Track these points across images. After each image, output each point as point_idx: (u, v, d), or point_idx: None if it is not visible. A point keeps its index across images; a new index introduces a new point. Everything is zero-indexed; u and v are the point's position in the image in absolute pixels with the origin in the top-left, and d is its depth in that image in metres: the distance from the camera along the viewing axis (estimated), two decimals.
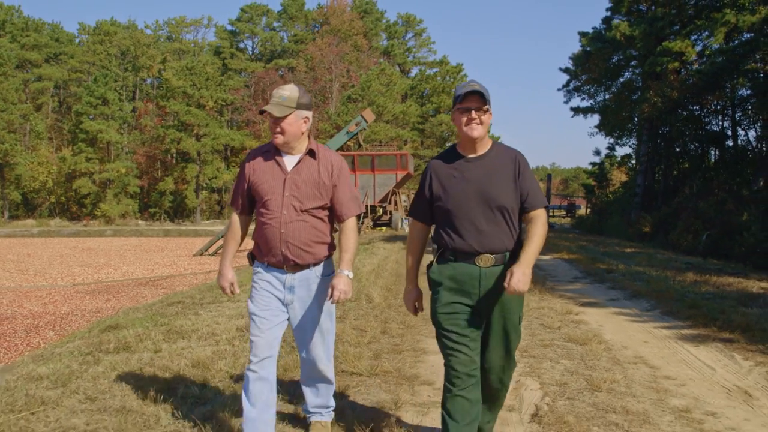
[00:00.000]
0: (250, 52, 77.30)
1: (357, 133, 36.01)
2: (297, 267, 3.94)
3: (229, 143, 59.37)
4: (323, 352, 4.10)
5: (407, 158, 34.09)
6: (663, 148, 33.04)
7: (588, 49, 33.85)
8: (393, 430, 4.42)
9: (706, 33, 27.83)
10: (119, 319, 9.19)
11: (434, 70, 69.22)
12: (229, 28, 76.10)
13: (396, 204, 35.00)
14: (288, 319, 4.01)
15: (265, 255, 3.98)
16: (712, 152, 31.28)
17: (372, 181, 32.98)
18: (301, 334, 4.03)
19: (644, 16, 31.03)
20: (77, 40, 72.60)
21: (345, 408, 4.79)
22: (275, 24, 76.36)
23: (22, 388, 5.53)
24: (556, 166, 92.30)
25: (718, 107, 29.66)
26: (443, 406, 3.57)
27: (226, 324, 7.99)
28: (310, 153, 3.93)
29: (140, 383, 5.46)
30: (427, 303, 3.76)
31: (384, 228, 33.36)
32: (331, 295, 3.80)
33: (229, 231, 4.16)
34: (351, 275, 3.91)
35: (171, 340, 7.16)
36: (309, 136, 3.98)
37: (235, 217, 4.13)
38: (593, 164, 46.26)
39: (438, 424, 3.57)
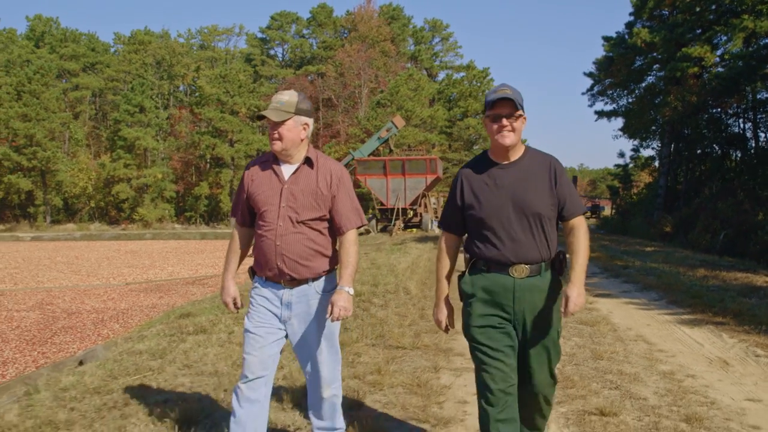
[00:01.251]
0: (281, 59, 78.77)
1: (388, 139, 37.27)
2: (294, 282, 3.79)
3: (262, 148, 60.90)
4: (327, 372, 3.89)
5: (436, 162, 35.14)
6: (685, 150, 33.82)
7: (610, 54, 34.73)
8: (434, 384, 5.62)
9: (725, 38, 28.66)
10: (189, 308, 10.45)
11: (461, 74, 70.08)
12: (260, 35, 77.67)
13: (426, 206, 36.03)
14: (287, 337, 3.88)
15: (263, 269, 3.84)
16: (733, 154, 31.96)
17: (403, 185, 34.02)
18: (302, 353, 3.88)
19: (666, 21, 31.83)
20: (113, 50, 74.52)
21: (395, 372, 5.99)
22: (304, 31, 77.72)
23: (128, 359, 6.79)
24: (585, 167, 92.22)
25: (738, 110, 30.37)
26: (482, 428, 3.46)
27: None
28: (308, 162, 3.81)
29: (224, 353, 6.70)
30: (458, 319, 3.67)
31: (415, 229, 34.43)
32: (331, 312, 3.62)
33: (230, 244, 4.05)
34: (352, 291, 3.73)
35: (241, 324, 8.41)
36: (309, 145, 3.87)
37: (237, 231, 4.04)
38: (618, 166, 47.05)
39: (469, 385, 4.49)
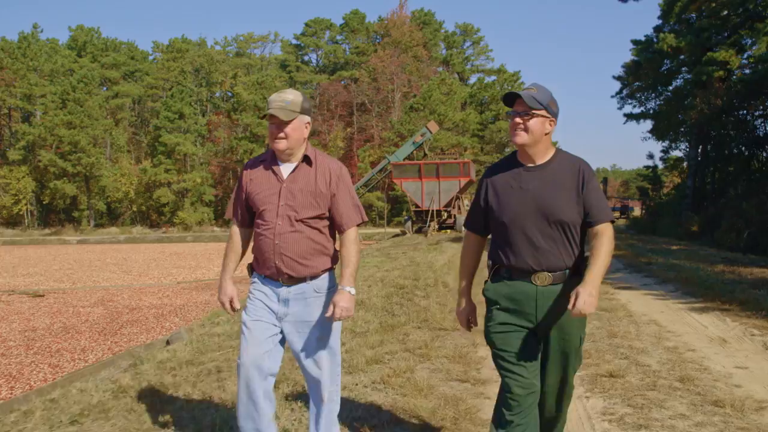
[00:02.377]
0: (315, 65, 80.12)
1: (422, 143, 38.35)
2: (292, 279, 3.79)
3: None
4: (326, 374, 3.87)
5: (469, 165, 36.05)
6: (712, 152, 34.44)
7: (638, 59, 35.42)
8: (472, 356, 6.73)
9: (750, 42, 29.32)
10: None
11: (492, 77, 70.92)
12: (294, 42, 79.12)
13: (459, 208, 36.90)
14: (282, 334, 3.89)
15: (261, 267, 3.86)
16: (761, 155, 32.42)
17: (437, 188, 34.94)
18: (300, 354, 3.87)
19: (692, 26, 32.45)
20: (151, 58, 76.39)
21: (439, 347, 7.09)
22: (338, 37, 78.97)
23: (209, 340, 7.97)
24: (617, 167, 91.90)
25: (765, 112, 30.88)
26: (497, 425, 3.47)
27: None
28: (306, 160, 3.81)
29: None
30: (482, 320, 3.68)
31: (449, 230, 35.39)
32: (333, 313, 3.66)
33: (228, 244, 4.03)
34: (353, 291, 3.74)
35: None
36: (307, 143, 3.87)
37: (235, 229, 4.02)
38: (647, 167, 47.62)
39: None
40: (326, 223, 3.85)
